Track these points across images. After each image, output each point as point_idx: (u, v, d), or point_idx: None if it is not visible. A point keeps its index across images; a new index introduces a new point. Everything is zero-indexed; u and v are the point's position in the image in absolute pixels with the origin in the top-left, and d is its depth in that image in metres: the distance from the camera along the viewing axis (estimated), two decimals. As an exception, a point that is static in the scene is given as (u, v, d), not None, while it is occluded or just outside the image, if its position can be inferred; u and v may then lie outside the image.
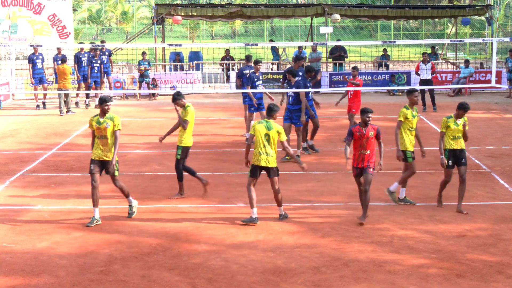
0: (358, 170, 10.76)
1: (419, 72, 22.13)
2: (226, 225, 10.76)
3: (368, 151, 10.68)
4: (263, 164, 10.77)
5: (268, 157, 10.75)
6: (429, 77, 21.93)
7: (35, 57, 23.32)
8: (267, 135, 10.73)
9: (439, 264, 9.07)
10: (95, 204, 10.83)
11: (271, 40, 36.28)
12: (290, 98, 15.24)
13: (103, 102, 10.85)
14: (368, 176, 10.65)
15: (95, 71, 23.31)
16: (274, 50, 32.50)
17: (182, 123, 12.15)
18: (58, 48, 23.75)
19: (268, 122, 10.82)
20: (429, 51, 29.94)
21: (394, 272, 8.82)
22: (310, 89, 15.52)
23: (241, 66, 23.44)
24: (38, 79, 23.45)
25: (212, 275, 8.76)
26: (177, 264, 9.14)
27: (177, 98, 12.22)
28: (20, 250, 9.69)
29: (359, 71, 18.32)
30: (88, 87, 23.36)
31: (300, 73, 15.54)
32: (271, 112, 10.93)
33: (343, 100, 17.93)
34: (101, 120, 10.84)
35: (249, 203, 10.87)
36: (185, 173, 12.32)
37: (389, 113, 21.06)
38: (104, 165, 10.84)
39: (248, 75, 16.76)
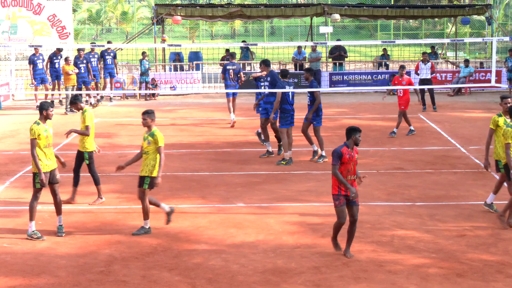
0: (346, 199, 9.13)
1: (418, 72, 22.12)
2: (226, 225, 10.76)
3: (354, 176, 9.17)
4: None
5: None
6: (429, 76, 21.91)
7: (35, 58, 23.35)
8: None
9: (439, 264, 9.07)
10: (34, 218, 10.23)
11: (243, 41, 36.15)
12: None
13: (50, 107, 10.23)
14: (357, 207, 9.21)
15: (82, 71, 23.26)
16: (248, 51, 32.49)
17: (83, 133, 11.77)
18: (58, 49, 23.77)
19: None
20: (428, 50, 29.94)
21: (394, 272, 8.82)
22: (320, 89, 15.70)
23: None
24: (40, 79, 23.49)
25: (212, 275, 8.76)
26: (177, 264, 9.14)
27: (74, 102, 11.97)
28: (20, 251, 9.70)
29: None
30: (79, 88, 23.37)
31: (269, 78, 15.34)
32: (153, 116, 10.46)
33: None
34: (46, 127, 10.20)
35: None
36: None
37: (389, 113, 21.04)
38: (51, 175, 10.36)
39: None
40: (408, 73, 25.74)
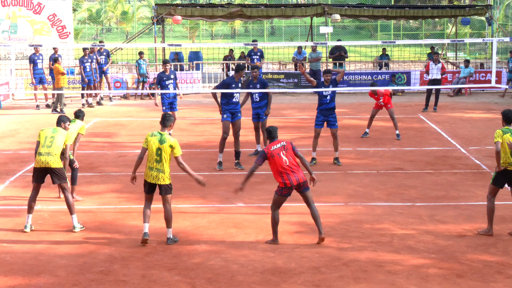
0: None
1: (429, 71, 21.93)
2: (226, 225, 10.76)
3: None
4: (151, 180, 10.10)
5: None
6: (439, 77, 21.78)
7: (36, 57, 23.31)
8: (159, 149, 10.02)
9: (439, 264, 9.07)
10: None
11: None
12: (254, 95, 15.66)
13: (67, 121, 11.00)
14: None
15: (87, 69, 23.23)
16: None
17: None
18: (54, 48, 23.70)
19: (162, 135, 10.08)
20: (428, 51, 29.92)
21: (394, 272, 8.82)
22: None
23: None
24: (38, 79, 23.45)
25: (212, 275, 8.76)
26: (177, 264, 9.14)
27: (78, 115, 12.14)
28: (20, 250, 9.70)
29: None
30: (83, 88, 23.38)
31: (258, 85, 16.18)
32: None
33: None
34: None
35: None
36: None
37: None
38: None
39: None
40: (408, 76, 25.78)
